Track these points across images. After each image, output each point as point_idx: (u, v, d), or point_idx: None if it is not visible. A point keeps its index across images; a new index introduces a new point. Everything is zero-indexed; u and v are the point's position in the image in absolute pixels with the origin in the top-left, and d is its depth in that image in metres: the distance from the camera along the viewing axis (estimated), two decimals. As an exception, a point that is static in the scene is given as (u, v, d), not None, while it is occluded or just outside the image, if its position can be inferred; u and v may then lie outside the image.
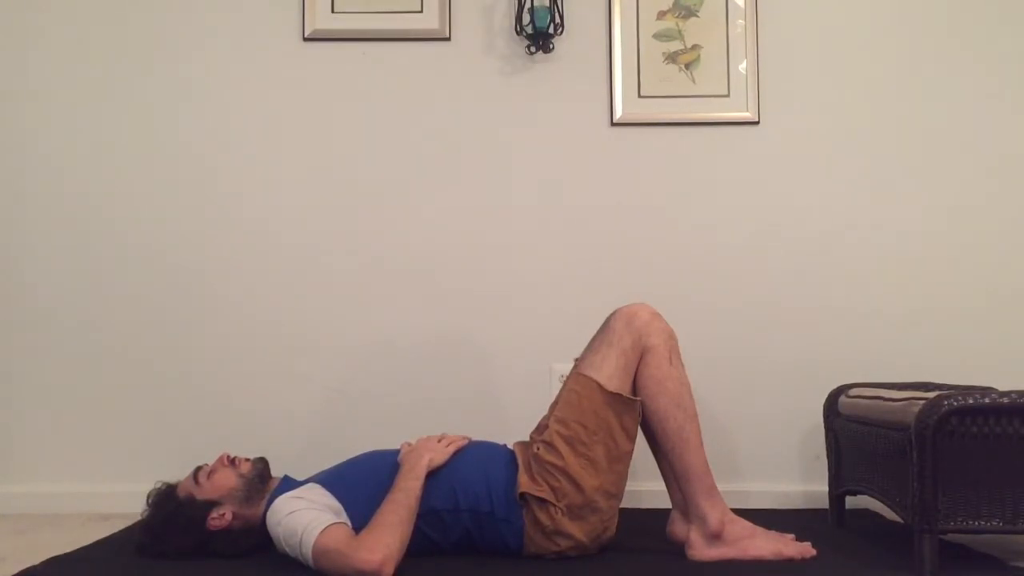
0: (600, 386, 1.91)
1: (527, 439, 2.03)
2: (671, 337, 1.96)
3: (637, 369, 1.94)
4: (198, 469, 1.97)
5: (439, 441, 1.99)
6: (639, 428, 2.01)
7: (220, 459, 1.98)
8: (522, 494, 1.89)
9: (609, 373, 1.92)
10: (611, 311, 2.00)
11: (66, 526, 2.37)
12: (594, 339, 1.99)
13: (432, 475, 1.90)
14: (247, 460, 2.00)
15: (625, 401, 1.92)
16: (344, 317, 2.65)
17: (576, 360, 2.01)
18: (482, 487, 1.91)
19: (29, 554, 1.97)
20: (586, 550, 1.93)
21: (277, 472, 2.03)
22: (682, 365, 1.96)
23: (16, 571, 1.81)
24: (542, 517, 1.89)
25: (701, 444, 1.93)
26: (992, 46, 2.66)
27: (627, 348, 1.93)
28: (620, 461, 1.95)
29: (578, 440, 1.91)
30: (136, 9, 2.70)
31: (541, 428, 1.99)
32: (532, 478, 1.91)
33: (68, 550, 2.01)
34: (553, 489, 1.89)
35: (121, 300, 2.66)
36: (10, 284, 2.67)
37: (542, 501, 1.89)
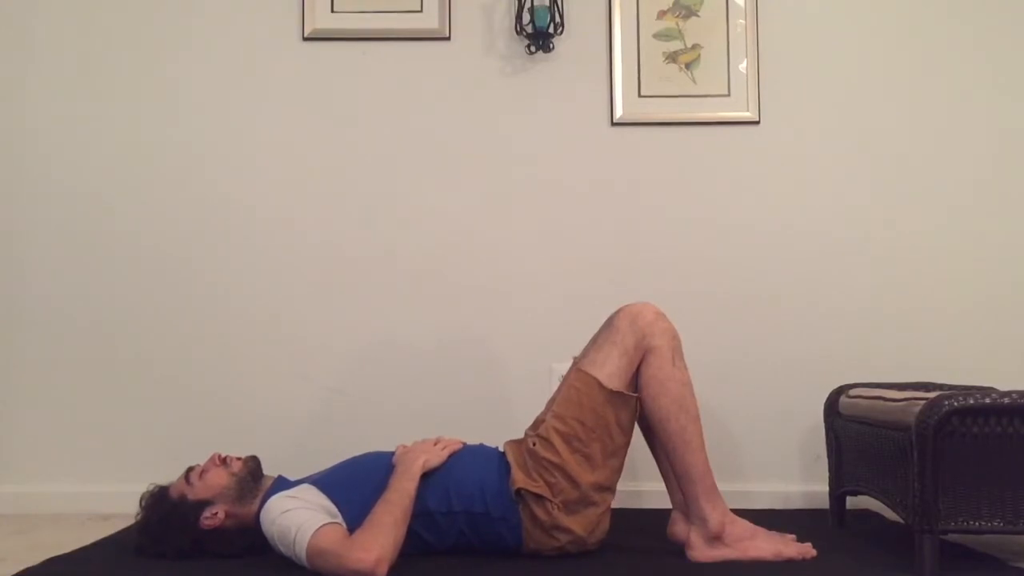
0: (601, 384, 1.91)
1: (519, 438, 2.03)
2: (675, 338, 1.95)
3: (639, 368, 1.94)
4: (190, 469, 1.98)
5: (435, 444, 1.99)
6: (642, 428, 2.02)
7: (212, 459, 1.99)
8: (518, 490, 1.89)
9: (610, 371, 1.92)
10: (611, 310, 2.00)
11: (66, 526, 2.37)
12: (597, 336, 1.99)
13: (427, 477, 1.90)
14: (238, 459, 2.00)
15: (624, 398, 1.92)
16: (343, 317, 2.65)
17: (575, 358, 2.01)
18: (475, 488, 1.91)
19: (29, 554, 1.97)
20: (584, 544, 1.93)
21: (273, 472, 2.03)
22: (685, 366, 1.96)
23: (16, 571, 1.81)
24: (539, 513, 1.89)
25: (703, 445, 1.93)
26: (992, 45, 2.66)
27: (629, 347, 1.93)
28: (615, 456, 1.95)
29: (575, 437, 1.91)
30: (136, 9, 2.70)
31: (537, 423, 1.99)
32: (528, 474, 1.91)
33: (68, 550, 2.01)
34: (549, 485, 1.89)
35: (121, 301, 2.66)
36: (10, 285, 2.67)
37: (538, 497, 1.89)
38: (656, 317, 1.95)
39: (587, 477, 1.90)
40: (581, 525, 1.91)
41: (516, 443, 2.01)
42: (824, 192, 2.66)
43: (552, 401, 2.00)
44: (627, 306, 1.98)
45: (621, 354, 1.93)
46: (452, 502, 1.90)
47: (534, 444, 1.93)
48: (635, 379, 1.95)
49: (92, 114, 2.69)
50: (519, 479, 1.90)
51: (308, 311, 2.66)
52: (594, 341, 1.99)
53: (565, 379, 2.00)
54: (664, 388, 1.91)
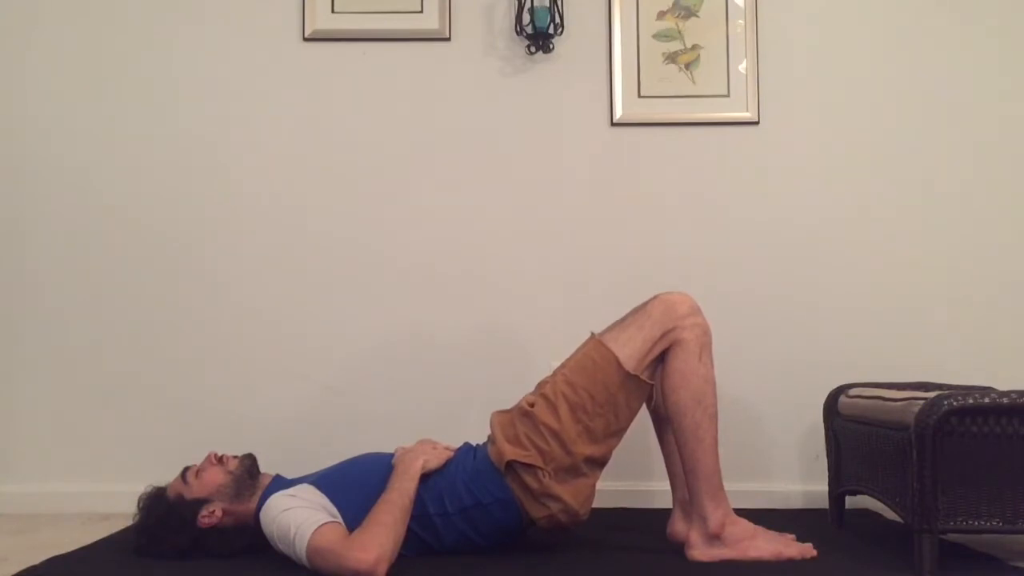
0: (619, 363, 1.90)
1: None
2: (705, 333, 1.95)
3: (665, 358, 1.94)
4: (186, 469, 1.98)
5: (434, 448, 1.99)
6: (654, 419, 2.04)
7: (208, 458, 1.99)
8: (509, 463, 1.89)
9: (630, 353, 1.91)
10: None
11: (66, 526, 2.37)
12: (627, 316, 1.98)
13: (425, 479, 1.91)
14: (235, 457, 2.01)
15: (640, 383, 1.92)
16: (343, 317, 2.65)
17: (593, 333, 1.99)
18: (460, 484, 1.91)
19: (29, 554, 1.97)
20: (576, 516, 1.92)
21: (271, 472, 2.03)
22: (711, 362, 1.95)
23: (16, 571, 1.81)
24: (530, 481, 1.89)
25: (715, 444, 1.92)
26: (992, 44, 2.66)
27: (656, 336, 1.92)
28: (616, 436, 1.96)
29: (582, 408, 1.91)
30: (136, 8, 2.70)
31: (542, 384, 1.98)
32: (518, 443, 1.90)
33: (68, 550, 2.01)
34: (541, 452, 1.89)
35: (121, 301, 2.66)
36: (10, 285, 2.67)
37: (529, 467, 1.88)
38: (690, 311, 1.94)
39: (583, 449, 1.90)
40: (571, 494, 1.90)
41: (505, 412, 2.00)
42: (823, 192, 2.66)
43: (562, 366, 1.98)
44: (664, 294, 1.97)
45: (645, 340, 1.92)
46: (447, 505, 1.90)
47: (532, 405, 1.93)
48: (652, 366, 1.94)
49: (92, 114, 2.69)
50: (507, 451, 1.89)
51: (307, 311, 2.66)
52: (624, 320, 1.98)
53: (580, 347, 1.99)
54: (685, 382, 1.91)
